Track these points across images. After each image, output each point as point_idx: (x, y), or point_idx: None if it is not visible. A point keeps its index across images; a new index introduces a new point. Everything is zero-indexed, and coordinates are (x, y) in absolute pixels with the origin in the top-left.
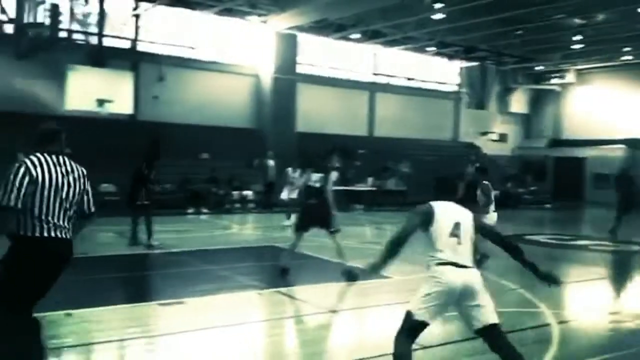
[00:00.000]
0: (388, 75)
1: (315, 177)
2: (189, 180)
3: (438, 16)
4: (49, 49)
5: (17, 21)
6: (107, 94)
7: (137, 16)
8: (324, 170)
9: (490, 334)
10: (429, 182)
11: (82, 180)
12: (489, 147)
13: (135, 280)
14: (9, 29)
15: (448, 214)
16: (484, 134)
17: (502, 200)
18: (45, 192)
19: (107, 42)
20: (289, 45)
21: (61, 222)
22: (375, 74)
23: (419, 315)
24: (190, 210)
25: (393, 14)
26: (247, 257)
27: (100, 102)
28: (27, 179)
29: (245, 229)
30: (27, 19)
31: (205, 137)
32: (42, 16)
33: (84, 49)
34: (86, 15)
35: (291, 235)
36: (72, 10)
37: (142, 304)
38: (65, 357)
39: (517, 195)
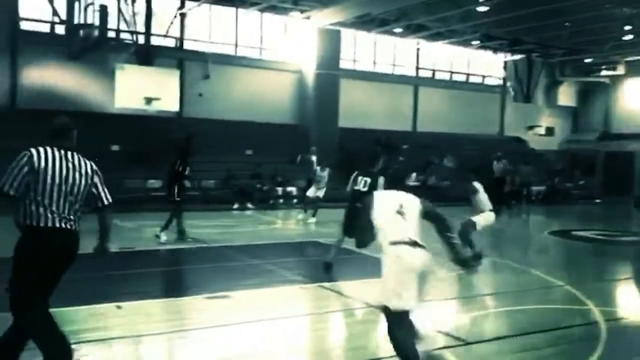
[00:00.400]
0: (431, 70)
1: (362, 182)
2: (234, 176)
3: (483, 9)
4: (99, 49)
5: (68, 23)
6: (154, 91)
7: (182, 15)
8: (371, 174)
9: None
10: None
11: (89, 176)
12: (535, 141)
13: (181, 274)
14: (60, 30)
15: (389, 197)
16: (531, 128)
17: (549, 195)
18: (49, 183)
19: (153, 41)
20: (331, 40)
21: (66, 214)
22: (418, 68)
23: (396, 306)
24: (235, 206)
25: (437, 7)
26: (290, 252)
27: (148, 100)
28: (26, 168)
29: (288, 225)
30: (78, 20)
31: (249, 134)
32: (92, 17)
33: (131, 48)
34: (133, 15)
35: (336, 231)
36: (120, 10)
37: (188, 297)
38: (114, 349)
39: (565, 190)
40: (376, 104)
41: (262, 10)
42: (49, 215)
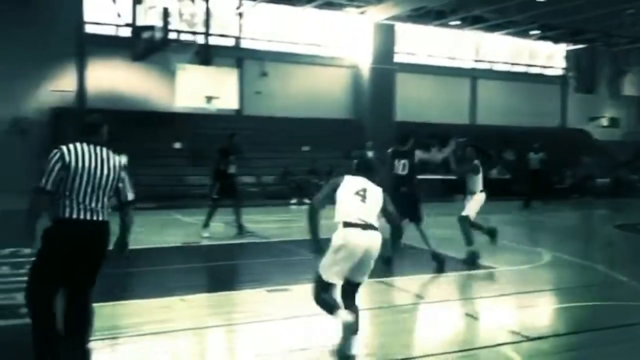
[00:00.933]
0: (490, 61)
1: (401, 165)
2: (291, 172)
3: None
4: (161, 50)
5: (132, 25)
6: (214, 90)
7: (240, 14)
8: (406, 155)
9: (354, 288)
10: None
11: (117, 170)
12: (598, 132)
13: (242, 268)
14: (124, 32)
15: (356, 182)
16: (594, 119)
17: (613, 188)
18: (78, 178)
19: (213, 40)
20: (387, 35)
21: (93, 205)
22: (476, 60)
23: (326, 277)
24: (293, 201)
25: None
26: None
27: (208, 99)
28: (59, 164)
29: None
30: (141, 22)
31: (305, 130)
32: (154, 19)
33: (192, 48)
34: (193, 16)
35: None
36: (180, 11)
37: (250, 290)
38: (177, 341)
39: (630, 183)
40: (433, 98)
41: (318, 7)
42: (74, 207)
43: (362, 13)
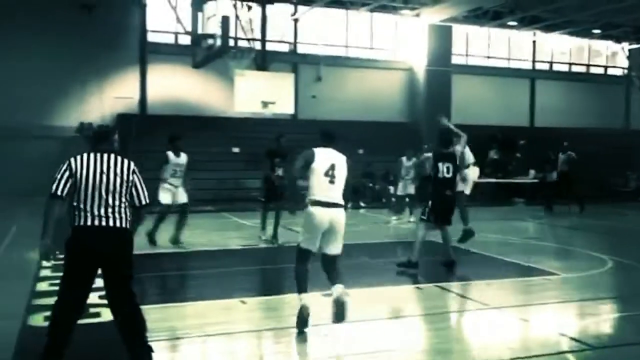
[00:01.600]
0: (549, 62)
1: (445, 168)
2: None
3: None
4: (220, 57)
5: (192, 33)
6: (270, 95)
7: (295, 20)
8: (449, 158)
9: (329, 260)
10: (595, 173)
11: (125, 174)
12: None
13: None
14: (183, 40)
15: (326, 156)
16: None
17: None
18: (84, 186)
19: (269, 46)
20: (442, 36)
21: (102, 212)
22: (535, 61)
23: (303, 245)
24: (348, 205)
25: None
26: (404, 251)
27: (265, 104)
28: (67, 172)
29: (402, 223)
30: (201, 31)
31: (360, 133)
32: (214, 27)
33: (249, 54)
34: (250, 23)
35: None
36: (237, 18)
37: (307, 293)
38: (239, 343)
39: None
40: (490, 99)
41: (372, 11)
42: (82, 214)
43: (416, 15)
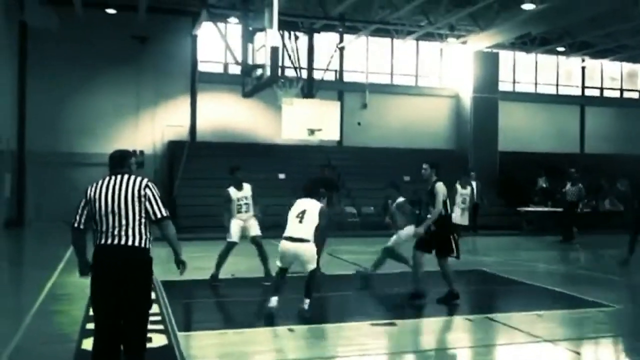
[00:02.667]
0: (599, 88)
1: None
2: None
3: None
4: (269, 86)
5: (242, 64)
6: (316, 123)
7: (341, 48)
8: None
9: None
10: None
11: (137, 190)
12: None
13: (346, 299)
14: (233, 69)
15: (300, 203)
16: None
17: None
18: (97, 207)
19: (315, 74)
20: (489, 63)
21: (117, 231)
22: (584, 87)
23: (280, 264)
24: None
25: (604, 23)
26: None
27: (311, 131)
28: (83, 200)
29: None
30: (250, 61)
31: (405, 160)
32: (263, 57)
33: (296, 83)
34: (297, 52)
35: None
36: (285, 48)
37: (354, 322)
38: None
39: None
40: (538, 126)
41: (417, 39)
42: (99, 235)
43: (463, 43)
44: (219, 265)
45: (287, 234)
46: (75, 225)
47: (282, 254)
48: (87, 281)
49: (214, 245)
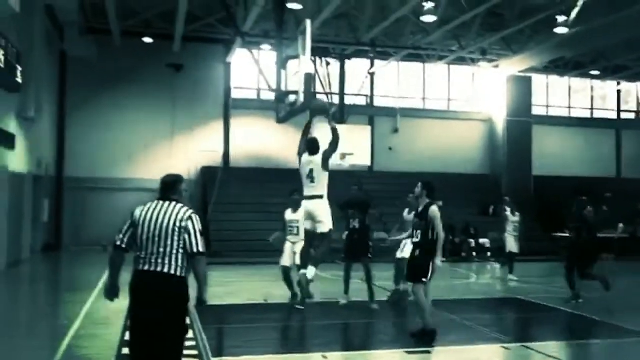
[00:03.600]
0: (635, 111)
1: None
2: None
3: None
4: (302, 112)
5: (276, 90)
6: (348, 147)
7: (372, 74)
8: None
9: (322, 237)
10: None
11: (179, 220)
12: None
13: (379, 327)
14: (265, 95)
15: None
16: None
17: None
18: (140, 231)
19: (347, 100)
20: (522, 87)
21: (155, 257)
22: (620, 111)
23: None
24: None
25: (639, 46)
26: (488, 308)
27: (343, 156)
28: (130, 221)
29: (483, 279)
30: (284, 87)
31: (438, 185)
32: (296, 84)
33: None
34: (328, 77)
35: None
36: (317, 73)
37: (388, 350)
38: None
39: None
40: (573, 150)
41: (449, 63)
42: (139, 259)
43: (495, 67)
44: (290, 288)
45: (304, 192)
46: (118, 243)
47: (305, 214)
48: (122, 305)
49: (247, 270)
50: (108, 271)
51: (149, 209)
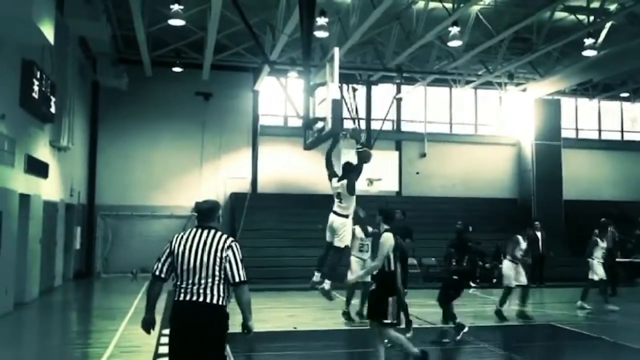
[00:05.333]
0: None
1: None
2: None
3: None
4: (330, 138)
5: (304, 117)
6: (375, 173)
7: (398, 99)
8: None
9: (335, 250)
10: None
11: (220, 249)
12: None
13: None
14: (292, 122)
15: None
16: None
17: None
18: (179, 260)
19: (373, 125)
20: (550, 110)
21: (195, 288)
22: None
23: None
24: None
25: None
26: (522, 336)
27: (370, 181)
28: (167, 250)
29: (515, 305)
30: (312, 114)
31: (467, 210)
32: (323, 111)
33: (355, 134)
34: (355, 103)
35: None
36: (343, 99)
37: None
38: None
39: None
40: (604, 174)
41: (476, 87)
42: (178, 289)
43: (523, 90)
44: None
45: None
46: (157, 273)
47: (328, 227)
48: (153, 334)
49: (275, 297)
50: (146, 301)
51: (187, 237)
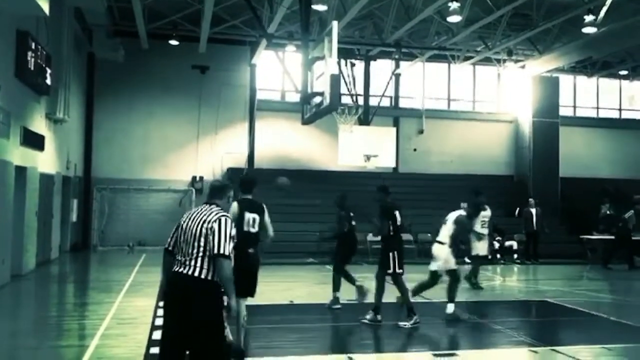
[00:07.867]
0: None
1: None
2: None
3: None
4: (328, 114)
5: (301, 92)
6: (372, 149)
7: (397, 75)
8: None
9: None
10: None
11: (207, 222)
12: None
13: (406, 329)
14: (290, 97)
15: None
16: None
17: None
18: (179, 234)
19: (371, 101)
20: (549, 87)
21: (186, 259)
22: None
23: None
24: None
25: None
26: (515, 311)
27: (367, 157)
28: (176, 225)
29: (510, 281)
30: (310, 89)
31: (463, 186)
32: (321, 85)
33: (352, 110)
34: (353, 79)
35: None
36: (342, 74)
37: (414, 352)
38: None
39: None
40: (601, 151)
41: (474, 64)
42: (175, 262)
43: (521, 67)
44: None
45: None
46: (166, 246)
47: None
48: (150, 305)
49: (271, 271)
50: (162, 274)
51: (192, 212)
